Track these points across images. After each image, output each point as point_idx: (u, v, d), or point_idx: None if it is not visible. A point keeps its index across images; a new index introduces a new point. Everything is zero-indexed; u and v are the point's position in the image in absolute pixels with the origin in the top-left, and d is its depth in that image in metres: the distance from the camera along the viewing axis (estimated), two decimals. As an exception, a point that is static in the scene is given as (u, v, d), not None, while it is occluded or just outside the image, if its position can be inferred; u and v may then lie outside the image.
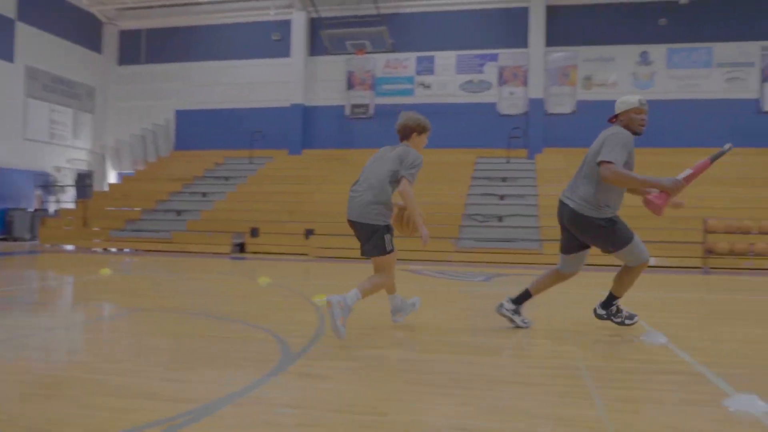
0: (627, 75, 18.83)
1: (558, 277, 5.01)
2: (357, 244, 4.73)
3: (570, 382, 3.38)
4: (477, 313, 6.06)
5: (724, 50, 18.31)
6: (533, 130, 18.92)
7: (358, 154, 19.84)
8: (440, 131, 19.37)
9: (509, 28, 19.49)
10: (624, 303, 6.30)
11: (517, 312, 5.03)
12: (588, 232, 4.68)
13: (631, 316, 5.02)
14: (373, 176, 4.69)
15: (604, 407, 2.91)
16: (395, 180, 4.64)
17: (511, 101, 19.42)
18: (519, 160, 18.47)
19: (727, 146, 4.49)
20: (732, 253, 11.58)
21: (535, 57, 19.12)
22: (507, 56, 19.52)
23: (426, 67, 20.02)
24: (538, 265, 12.37)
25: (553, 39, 19.18)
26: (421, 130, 4.87)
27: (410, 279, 9.55)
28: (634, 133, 4.64)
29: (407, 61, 20.17)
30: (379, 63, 20.40)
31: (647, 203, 4.59)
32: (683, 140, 18.14)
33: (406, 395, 3.09)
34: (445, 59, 19.87)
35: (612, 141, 4.47)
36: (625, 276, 4.87)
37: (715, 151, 4.76)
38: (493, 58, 19.62)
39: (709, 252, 11.70)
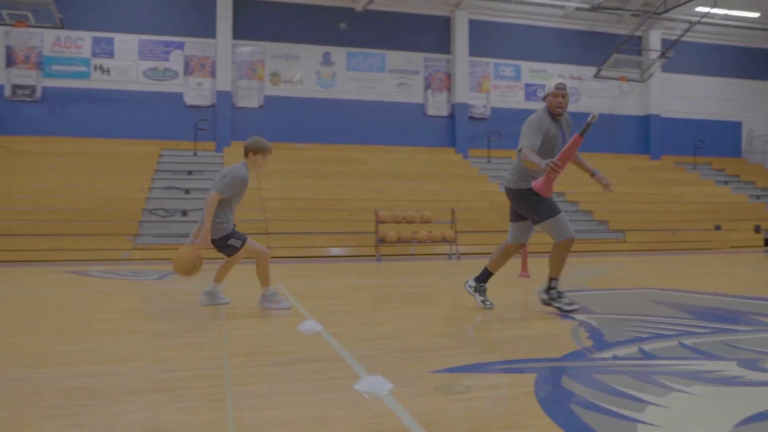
0: (312, 74, 19.58)
1: (507, 250, 5.41)
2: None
3: (208, 383, 3.15)
4: (131, 315, 5.53)
5: (395, 58, 20.15)
6: (221, 123, 18.58)
7: (22, 141, 17.37)
8: (121, 120, 18.12)
9: (196, 17, 18.81)
10: (291, 290, 6.35)
11: (478, 291, 5.52)
12: (517, 201, 5.18)
13: (570, 304, 5.26)
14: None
15: (234, 407, 2.73)
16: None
17: (198, 92, 18.79)
18: (206, 153, 17.99)
19: (591, 116, 4.53)
20: (399, 240, 12.70)
21: (222, 49, 18.77)
22: (194, 45, 18.84)
23: (104, 49, 18.30)
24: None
25: (241, 32, 19.05)
26: (256, 150, 5.35)
27: (71, 282, 8.51)
28: (553, 113, 5.09)
29: (81, 41, 18.20)
30: (46, 40, 18.05)
31: (535, 188, 4.79)
32: (362, 138, 19.50)
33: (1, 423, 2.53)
34: (126, 43, 18.40)
35: (524, 129, 4.95)
36: (554, 254, 5.17)
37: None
38: (180, 46, 18.78)
39: (381, 240, 12.67)
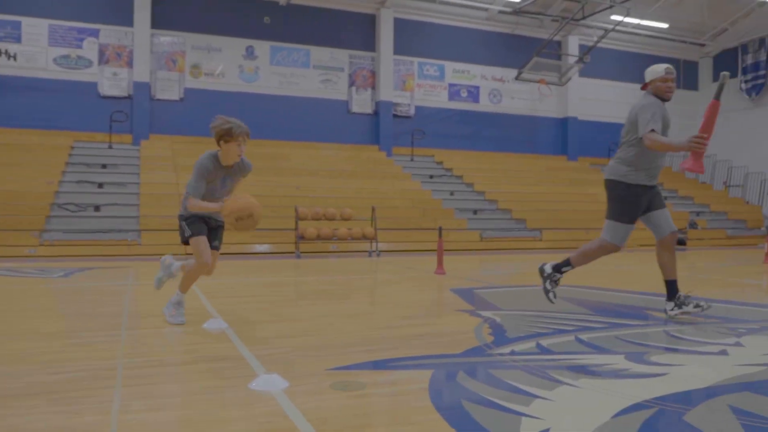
0: (234, 67, 19.20)
1: (664, 246, 4.99)
2: None
3: (97, 384, 3.02)
4: (29, 314, 5.26)
5: (319, 54, 20.02)
6: (138, 115, 17.96)
7: None
8: (29, 109, 17.23)
9: (112, 4, 18.09)
10: (204, 288, 6.20)
11: (679, 304, 4.94)
12: (607, 191, 4.97)
13: (555, 294, 5.19)
14: None
15: (119, 409, 2.63)
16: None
17: (114, 82, 18.08)
18: (122, 146, 17.35)
19: (722, 77, 4.42)
20: (319, 237, 12.64)
21: (140, 38, 18.13)
22: (109, 33, 18.11)
23: (10, 33, 17.32)
24: (135, 257, 11.73)
25: (160, 22, 18.45)
26: (227, 137, 4.39)
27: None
28: (662, 99, 4.84)
29: (-15, 23, 17.18)
30: (-54, 22, 16.95)
31: (687, 170, 4.63)
32: (285, 134, 19.30)
33: None
34: (35, 27, 17.46)
35: (644, 114, 4.68)
36: (589, 246, 5.05)
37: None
38: (94, 33, 18.00)
39: (301, 237, 12.57)
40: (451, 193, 18.15)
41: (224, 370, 3.32)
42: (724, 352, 3.86)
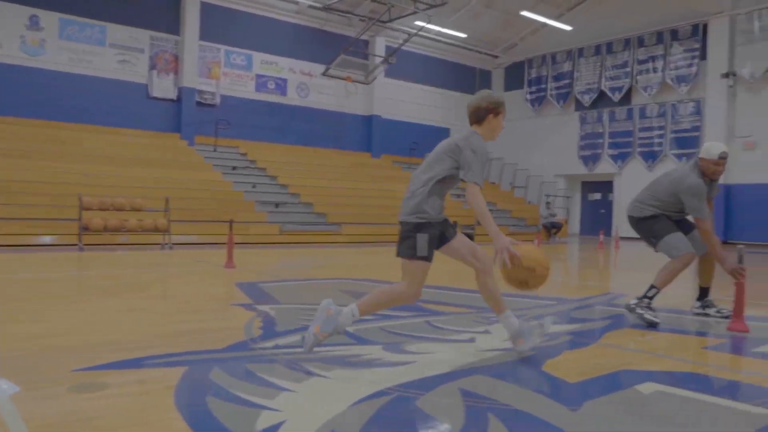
0: (15, 37, 17.22)
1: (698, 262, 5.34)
2: None
3: None
4: None
5: (117, 32, 18.66)
6: None
7: None
8: None
9: None
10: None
11: (707, 305, 5.37)
12: (640, 226, 5.29)
13: (653, 321, 4.89)
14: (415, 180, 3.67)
15: None
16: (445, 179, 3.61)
17: None
18: None
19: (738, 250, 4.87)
20: (106, 229, 11.82)
21: None
22: None
23: None
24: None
25: None
26: (499, 109, 3.69)
27: None
28: (706, 176, 5.02)
29: None
30: None
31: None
32: (75, 116, 17.78)
33: None
34: None
35: (693, 196, 4.91)
36: (669, 266, 5.04)
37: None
38: None
39: (85, 228, 11.67)
40: (253, 186, 17.92)
41: (-51, 377, 2.98)
42: (472, 340, 4.24)
